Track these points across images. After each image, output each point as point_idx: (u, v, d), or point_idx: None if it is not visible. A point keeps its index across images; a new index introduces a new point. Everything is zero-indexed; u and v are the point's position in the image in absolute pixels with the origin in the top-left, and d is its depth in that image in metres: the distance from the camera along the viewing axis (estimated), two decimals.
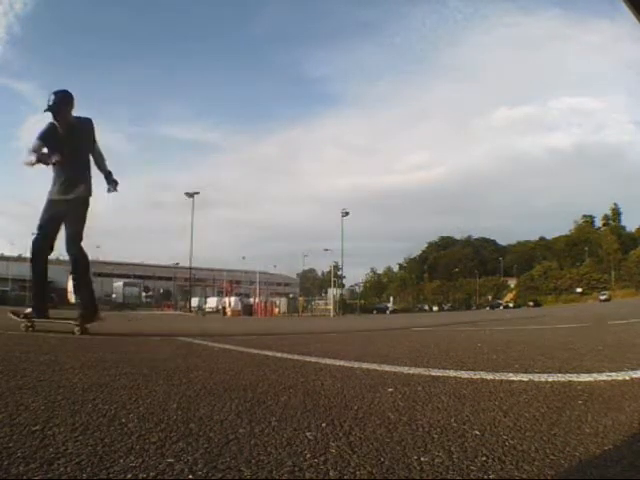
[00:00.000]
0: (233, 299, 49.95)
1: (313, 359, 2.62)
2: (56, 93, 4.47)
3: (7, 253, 65.64)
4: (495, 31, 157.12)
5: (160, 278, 79.11)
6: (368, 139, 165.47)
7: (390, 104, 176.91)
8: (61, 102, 4.48)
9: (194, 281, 57.50)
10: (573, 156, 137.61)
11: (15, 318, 4.64)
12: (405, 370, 2.14)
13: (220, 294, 59.53)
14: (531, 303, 67.16)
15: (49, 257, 4.72)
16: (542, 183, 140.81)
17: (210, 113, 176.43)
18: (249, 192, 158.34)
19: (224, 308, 47.25)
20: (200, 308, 51.94)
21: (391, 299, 78.20)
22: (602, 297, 63.61)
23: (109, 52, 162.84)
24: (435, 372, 2.07)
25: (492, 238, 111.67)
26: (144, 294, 67.47)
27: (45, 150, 4.49)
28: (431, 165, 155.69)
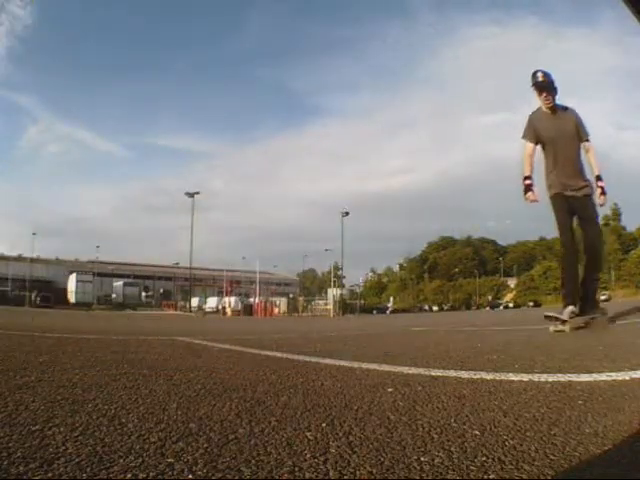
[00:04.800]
0: (233, 299, 50.03)
1: (313, 359, 2.62)
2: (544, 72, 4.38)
3: (7, 253, 65.68)
4: (469, 43, 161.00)
5: (160, 278, 79.09)
6: (352, 147, 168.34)
7: (373, 114, 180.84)
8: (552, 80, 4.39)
9: (194, 281, 57.49)
10: None
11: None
12: (405, 370, 2.13)
13: (220, 294, 59.58)
14: (531, 303, 67.14)
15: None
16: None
17: (202, 123, 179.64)
18: (247, 196, 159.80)
19: (224, 308, 47.32)
20: (200, 308, 51.98)
21: (391, 299, 78.23)
22: (602, 297, 63.56)
23: (107, 66, 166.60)
24: (435, 372, 2.07)
25: (492, 238, 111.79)
26: (144, 294, 67.47)
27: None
28: (416, 170, 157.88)
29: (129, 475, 0.85)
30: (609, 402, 1.46)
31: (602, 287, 73.76)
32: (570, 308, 4.30)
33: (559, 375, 1.92)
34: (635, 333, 4.69)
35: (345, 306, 51.58)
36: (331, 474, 0.87)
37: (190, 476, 0.86)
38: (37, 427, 1.13)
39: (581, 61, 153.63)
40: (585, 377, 1.88)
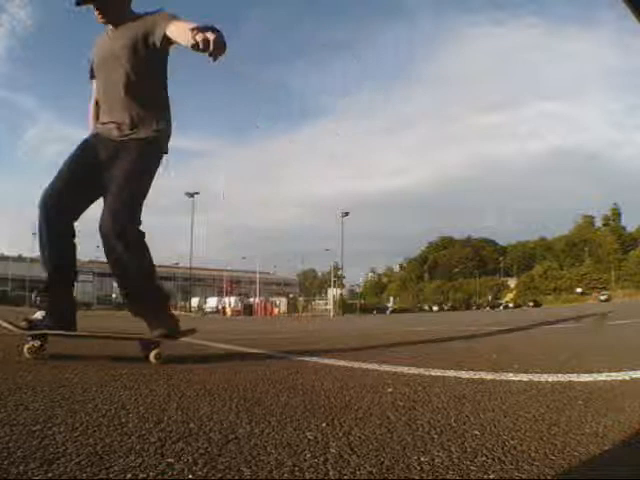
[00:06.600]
0: (233, 299, 50.05)
1: (313, 359, 2.62)
2: None
3: (7, 253, 65.68)
4: (469, 43, 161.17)
5: (160, 278, 79.02)
6: (352, 147, 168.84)
7: (373, 114, 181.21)
8: None
9: (194, 281, 57.49)
10: (556, 159, 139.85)
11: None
12: (405, 370, 2.14)
13: (220, 294, 59.60)
14: (531, 303, 67.14)
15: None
16: (533, 186, 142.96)
17: (202, 123, 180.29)
18: (247, 196, 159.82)
19: (224, 308, 47.35)
20: (200, 308, 51.99)
21: (391, 299, 78.33)
22: (602, 297, 63.56)
23: None
24: (435, 372, 2.07)
25: (492, 238, 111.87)
26: None
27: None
28: (416, 170, 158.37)
29: (129, 475, 0.85)
30: (609, 402, 1.46)
31: (602, 287, 73.93)
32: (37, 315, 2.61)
33: (559, 375, 1.92)
34: (635, 333, 4.69)
35: (345, 306, 51.59)
36: (331, 474, 0.87)
37: (190, 476, 0.86)
38: (37, 427, 1.13)
39: (581, 61, 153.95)
40: (585, 377, 1.89)
